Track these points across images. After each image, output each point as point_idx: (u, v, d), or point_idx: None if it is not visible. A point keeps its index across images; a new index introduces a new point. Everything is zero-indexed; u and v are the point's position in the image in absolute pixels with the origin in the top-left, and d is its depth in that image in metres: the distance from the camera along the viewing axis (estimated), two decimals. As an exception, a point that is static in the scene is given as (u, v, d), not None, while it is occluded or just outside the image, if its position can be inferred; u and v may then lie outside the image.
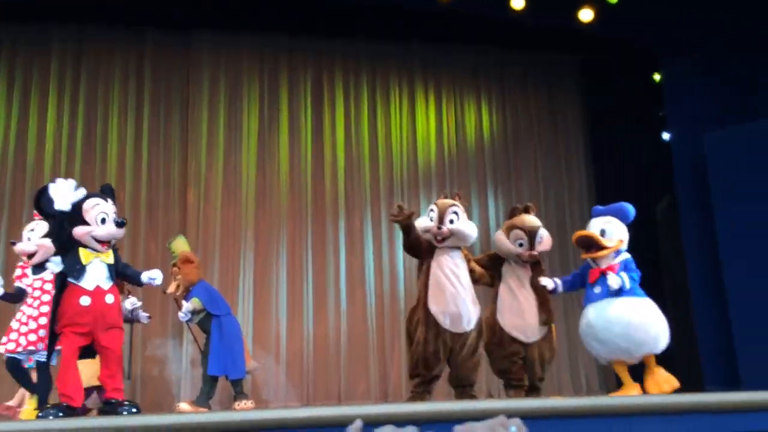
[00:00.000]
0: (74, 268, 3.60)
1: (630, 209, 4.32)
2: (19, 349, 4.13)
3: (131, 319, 5.08)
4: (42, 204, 3.64)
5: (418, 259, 4.62)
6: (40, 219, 4.33)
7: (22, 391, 4.59)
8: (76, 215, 3.63)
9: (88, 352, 3.92)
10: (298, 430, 2.59)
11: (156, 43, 8.25)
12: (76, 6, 7.59)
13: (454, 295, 4.37)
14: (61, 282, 3.64)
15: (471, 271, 4.60)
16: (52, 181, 3.68)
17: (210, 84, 8.28)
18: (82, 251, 3.64)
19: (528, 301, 4.61)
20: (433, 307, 4.36)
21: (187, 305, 5.31)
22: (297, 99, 8.52)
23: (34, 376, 4.25)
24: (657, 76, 8.44)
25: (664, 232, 8.49)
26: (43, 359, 4.06)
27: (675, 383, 4.05)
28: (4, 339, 4.22)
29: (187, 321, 5.50)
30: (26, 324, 4.15)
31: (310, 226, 8.20)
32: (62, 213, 3.60)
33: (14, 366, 4.22)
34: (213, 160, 8.12)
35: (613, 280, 4.01)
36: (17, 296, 4.29)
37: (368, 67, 8.81)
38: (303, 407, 4.96)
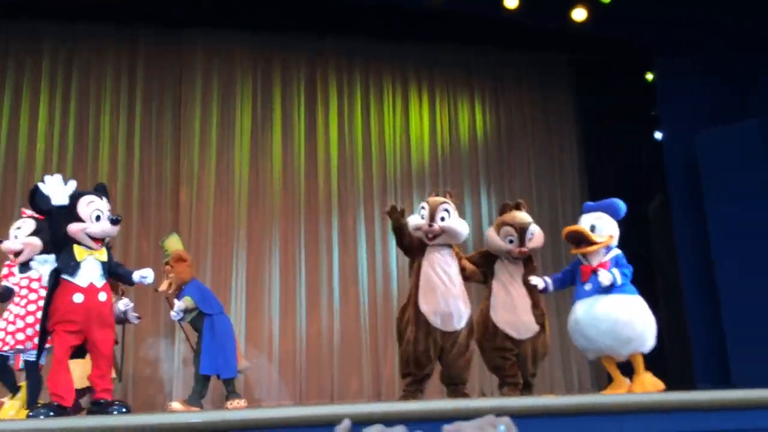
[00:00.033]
0: (69, 265, 3.60)
1: (621, 205, 4.29)
2: (6, 348, 4.10)
3: (123, 319, 5.08)
4: (37, 201, 3.64)
5: (409, 257, 4.62)
6: (28, 217, 4.32)
7: None
8: (70, 212, 3.63)
9: (80, 352, 3.90)
10: (287, 429, 2.59)
11: (148, 41, 8.22)
12: (68, 3, 7.56)
13: (445, 294, 4.36)
14: (55, 279, 3.62)
15: (462, 269, 4.59)
16: (41, 181, 3.68)
17: (203, 82, 8.26)
18: (76, 248, 3.64)
19: (521, 297, 4.60)
20: (424, 307, 4.35)
21: (179, 304, 5.29)
22: (290, 97, 8.51)
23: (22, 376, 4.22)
24: (650, 76, 8.47)
25: (656, 231, 8.52)
26: (33, 359, 4.03)
27: (661, 387, 4.04)
28: None
29: (179, 320, 5.48)
30: (14, 323, 4.12)
31: (303, 224, 8.19)
32: (59, 208, 3.61)
33: (0, 364, 4.19)
34: (206, 158, 8.10)
35: (604, 276, 3.99)
36: (4, 295, 4.26)
37: (362, 66, 8.81)
38: (294, 406, 4.95)
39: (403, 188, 8.55)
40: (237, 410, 4.13)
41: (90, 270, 3.64)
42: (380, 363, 7.98)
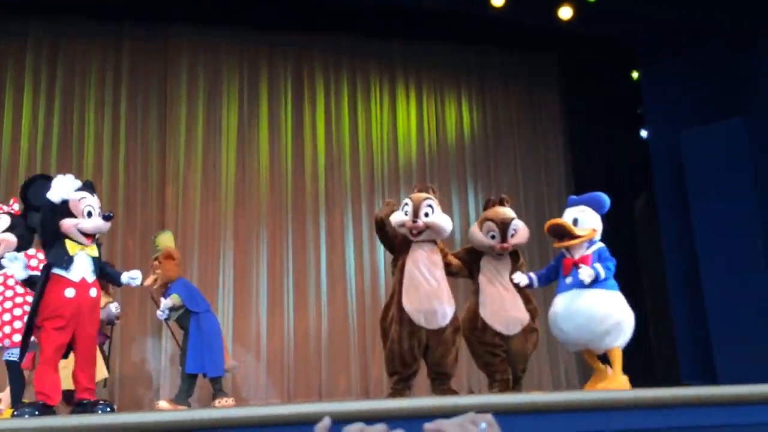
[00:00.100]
0: (62, 259, 3.60)
1: (605, 199, 4.29)
2: None
3: (110, 321, 5.14)
4: (29, 195, 3.64)
5: (392, 254, 4.60)
6: (2, 213, 4.28)
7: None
8: (63, 208, 3.64)
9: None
10: (271, 427, 2.58)
11: (133, 37, 8.13)
12: (51, -1, 7.49)
13: (429, 292, 4.34)
14: (46, 274, 3.61)
15: (448, 264, 4.57)
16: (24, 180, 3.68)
17: (188, 79, 8.20)
18: (68, 243, 3.64)
19: (509, 293, 4.56)
20: (407, 305, 4.33)
21: (165, 301, 5.27)
22: (277, 95, 8.47)
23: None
24: (635, 74, 8.52)
25: (642, 228, 8.57)
26: (13, 358, 4.00)
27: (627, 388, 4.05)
28: None
29: (165, 319, 5.46)
30: None
31: (291, 223, 8.17)
32: (52, 204, 3.61)
33: None
34: (192, 156, 8.04)
35: (585, 274, 3.99)
36: None
37: (349, 64, 8.79)
38: (281, 405, 4.94)
39: (391, 186, 8.55)
40: (223, 408, 4.12)
41: (82, 265, 3.65)
42: (368, 361, 7.98)
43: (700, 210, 7.04)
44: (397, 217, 4.49)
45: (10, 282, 4.11)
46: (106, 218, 3.72)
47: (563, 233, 4.15)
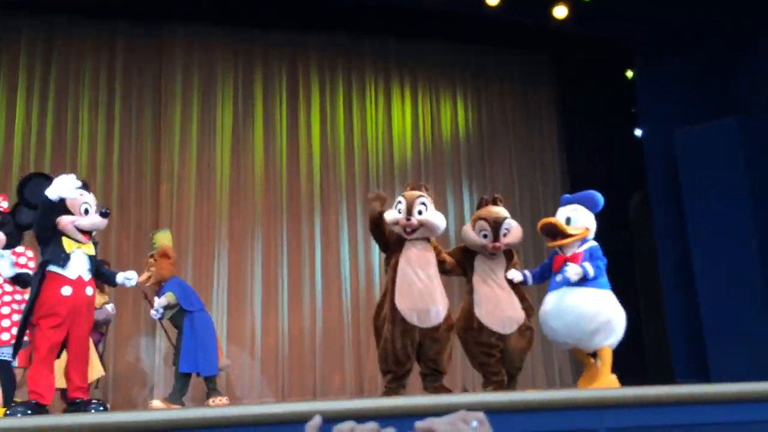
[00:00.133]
0: (59, 257, 3.59)
1: (598, 197, 4.28)
2: None
3: (106, 321, 5.18)
4: (26, 193, 3.63)
5: (386, 253, 4.59)
6: None
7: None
8: (60, 205, 3.64)
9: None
10: (263, 425, 2.58)
11: (128, 35, 8.10)
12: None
13: (422, 291, 4.33)
14: (42, 272, 3.60)
15: (441, 262, 4.55)
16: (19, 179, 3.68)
17: (183, 78, 8.18)
18: (65, 241, 3.63)
19: (504, 292, 4.52)
20: (400, 305, 4.31)
21: (160, 300, 5.27)
22: (272, 94, 8.46)
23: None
24: (630, 73, 8.54)
25: (636, 227, 8.59)
26: (5, 357, 3.98)
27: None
28: None
29: (159, 318, 5.45)
30: None
31: (285, 222, 8.16)
32: (49, 201, 3.60)
33: None
34: (186, 155, 8.03)
35: (572, 272, 3.98)
36: None
37: (344, 63, 8.78)
38: (271, 403, 4.94)
39: (386, 185, 8.53)
40: (217, 407, 4.11)
41: (78, 263, 3.65)
42: (363, 360, 7.98)
43: (694, 209, 7.06)
44: (391, 216, 4.47)
45: None
46: (103, 215, 3.73)
47: (556, 232, 4.15)
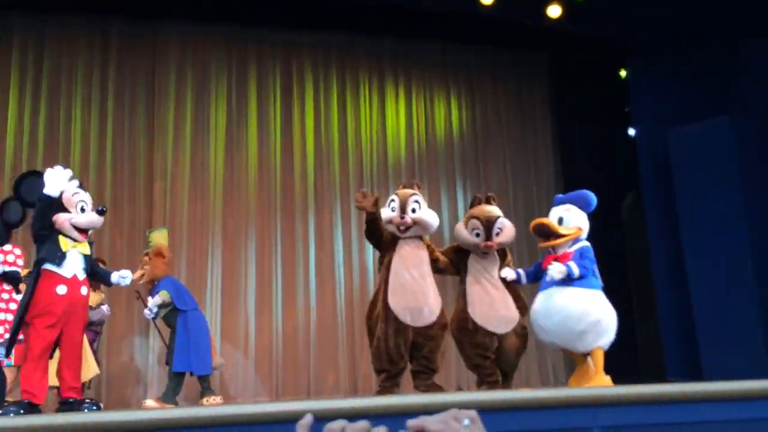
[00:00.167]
0: (55, 255, 3.59)
1: (591, 197, 4.26)
2: None
3: (101, 321, 5.19)
4: (22, 190, 3.62)
5: (380, 251, 4.58)
6: None
7: None
8: (56, 203, 3.64)
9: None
10: (253, 425, 2.58)
11: (121, 33, 8.08)
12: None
13: (415, 289, 4.32)
14: (37, 271, 3.59)
15: (435, 261, 4.53)
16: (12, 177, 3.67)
17: (176, 76, 8.16)
18: (61, 239, 3.63)
19: (498, 291, 4.49)
20: (393, 304, 4.29)
21: (155, 299, 5.25)
22: (266, 92, 8.45)
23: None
24: (623, 73, 8.56)
25: (629, 226, 8.62)
26: (-3, 357, 3.98)
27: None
28: None
29: (152, 317, 5.43)
30: None
31: (279, 221, 8.15)
32: (49, 198, 3.60)
33: None
34: (179, 153, 8.01)
35: (555, 270, 3.98)
36: None
37: (338, 62, 8.77)
38: (265, 402, 4.93)
39: (380, 184, 8.53)
40: (211, 407, 4.10)
41: (74, 262, 3.64)
42: (357, 359, 7.98)
43: (687, 208, 7.08)
44: (384, 214, 4.46)
45: None
46: (99, 213, 3.73)
47: (547, 233, 4.15)
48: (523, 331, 4.53)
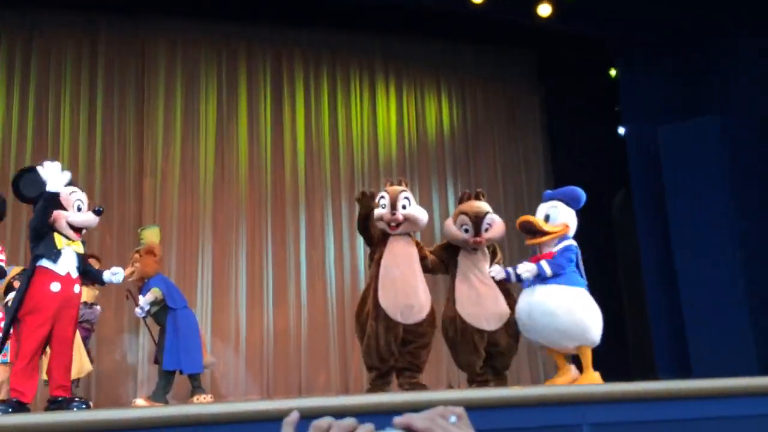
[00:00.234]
0: (51, 252, 3.58)
1: (580, 193, 4.24)
2: None
3: (93, 320, 5.17)
4: (21, 187, 3.62)
5: (371, 248, 4.57)
6: None
7: None
8: (54, 201, 3.64)
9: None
10: (243, 423, 2.57)
11: (110, 29, 8.01)
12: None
13: (405, 287, 4.31)
14: (32, 267, 3.59)
15: (423, 259, 4.52)
16: (38, 165, 3.70)
17: (166, 72, 8.11)
18: (56, 236, 3.63)
19: (487, 288, 4.46)
20: (384, 301, 4.28)
21: (147, 297, 5.22)
22: (256, 90, 8.41)
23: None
24: (613, 72, 8.58)
25: (619, 224, 8.65)
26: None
27: None
28: None
29: (143, 316, 5.41)
30: None
31: (270, 218, 8.13)
32: (51, 195, 3.60)
33: None
34: (170, 150, 7.97)
35: (524, 269, 3.99)
36: None
37: (328, 59, 8.76)
38: (255, 401, 4.92)
39: (371, 181, 8.52)
40: (200, 405, 4.09)
41: (68, 260, 3.64)
42: (348, 356, 7.97)
43: (677, 206, 7.11)
44: (375, 211, 4.46)
45: None
46: (96, 213, 3.74)
47: (533, 230, 4.14)
48: (514, 327, 4.50)
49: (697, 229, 6.89)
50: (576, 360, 4.23)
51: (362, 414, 2.38)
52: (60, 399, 3.57)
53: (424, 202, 7.41)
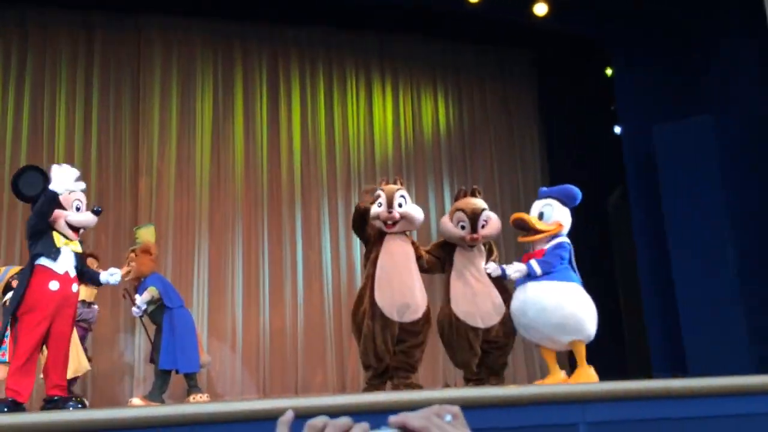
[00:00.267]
0: (50, 250, 3.60)
1: (576, 191, 4.24)
2: None
3: (91, 319, 5.19)
4: (21, 186, 3.64)
5: (366, 246, 4.57)
6: None
7: None
8: (54, 200, 3.64)
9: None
10: (240, 423, 2.57)
11: (105, 26, 7.98)
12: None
13: (401, 286, 4.32)
14: (31, 265, 3.59)
15: (419, 258, 4.53)
16: (31, 166, 3.78)
17: (162, 71, 8.09)
18: (55, 235, 3.64)
19: (482, 286, 4.47)
20: (380, 300, 4.29)
21: (143, 296, 5.21)
22: (252, 88, 8.40)
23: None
24: (609, 71, 8.59)
25: (615, 222, 8.66)
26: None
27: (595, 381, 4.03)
28: None
29: (140, 316, 5.40)
30: None
31: (266, 217, 8.12)
32: (54, 194, 3.60)
33: None
34: (165, 148, 7.95)
35: (511, 270, 4.00)
36: None
37: (325, 58, 8.74)
38: (252, 400, 4.92)
39: (367, 180, 8.51)
40: (197, 404, 4.08)
41: (66, 259, 3.66)
42: (344, 356, 7.97)
43: (672, 205, 7.12)
44: (371, 210, 4.46)
45: None
46: (95, 213, 3.76)
47: (526, 228, 4.15)
48: (509, 326, 4.50)
49: (693, 228, 6.90)
50: (571, 360, 4.24)
51: (358, 413, 2.38)
52: (56, 398, 3.57)
53: (421, 202, 7.41)
